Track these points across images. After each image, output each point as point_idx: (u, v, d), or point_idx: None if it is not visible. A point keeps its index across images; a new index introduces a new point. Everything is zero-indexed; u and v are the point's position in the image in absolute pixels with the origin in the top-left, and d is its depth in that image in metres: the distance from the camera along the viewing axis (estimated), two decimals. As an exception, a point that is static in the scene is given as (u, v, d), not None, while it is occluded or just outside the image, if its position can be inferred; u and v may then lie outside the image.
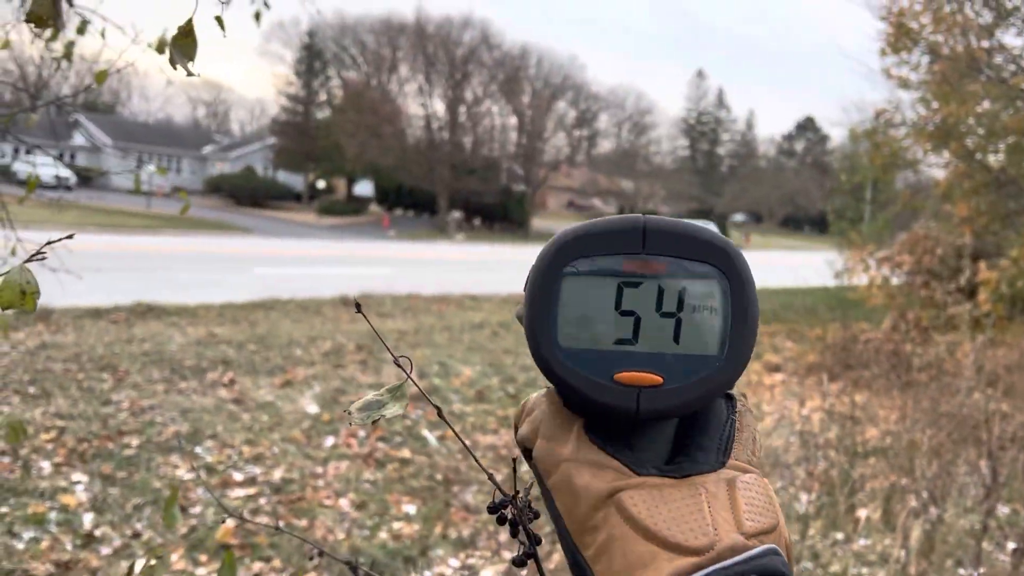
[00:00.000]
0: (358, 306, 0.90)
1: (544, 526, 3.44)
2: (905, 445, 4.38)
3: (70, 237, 1.36)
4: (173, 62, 0.89)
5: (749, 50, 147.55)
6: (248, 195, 38.89)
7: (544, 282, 0.43)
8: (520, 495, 0.60)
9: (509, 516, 0.59)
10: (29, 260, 0.79)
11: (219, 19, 2.15)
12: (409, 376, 0.73)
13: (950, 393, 5.45)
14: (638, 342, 0.43)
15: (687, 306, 0.42)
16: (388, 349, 0.75)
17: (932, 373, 6.85)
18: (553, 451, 0.45)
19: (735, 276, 0.42)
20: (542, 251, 0.44)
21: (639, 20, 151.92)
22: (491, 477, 0.74)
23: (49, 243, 1.06)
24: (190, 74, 0.98)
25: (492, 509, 0.59)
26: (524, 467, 0.54)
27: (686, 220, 0.43)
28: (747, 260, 0.43)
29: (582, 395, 0.43)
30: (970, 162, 9.82)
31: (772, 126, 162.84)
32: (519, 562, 0.57)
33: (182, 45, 0.87)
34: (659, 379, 0.42)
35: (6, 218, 2.60)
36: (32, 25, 1.09)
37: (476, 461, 0.81)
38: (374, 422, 0.65)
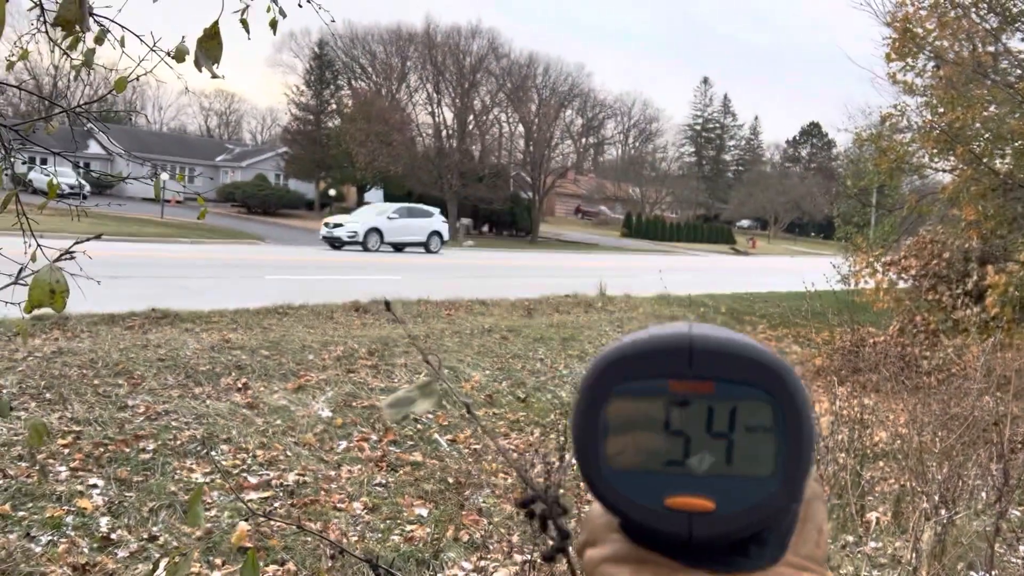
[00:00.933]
0: (388, 304, 0.95)
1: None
2: (915, 448, 4.39)
3: (98, 237, 1.40)
4: (198, 64, 0.92)
5: (753, 57, 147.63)
6: (260, 203, 39.12)
7: (589, 405, 0.42)
8: (550, 490, 0.62)
9: (538, 511, 0.60)
10: (58, 260, 0.82)
11: (244, 22, 2.21)
12: (439, 374, 0.77)
13: (960, 396, 5.46)
14: (689, 464, 0.41)
15: (739, 426, 0.41)
16: (420, 349, 0.79)
17: (941, 376, 6.85)
18: (595, 554, 0.44)
19: (787, 396, 0.40)
20: (586, 373, 0.43)
21: (644, 28, 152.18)
22: (521, 471, 0.76)
23: (78, 242, 1.11)
24: (214, 76, 1.01)
25: (522, 504, 0.60)
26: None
27: (732, 336, 0.42)
28: (799, 378, 0.42)
29: (632, 520, 0.42)
30: (977, 166, 9.82)
31: (777, 132, 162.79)
32: (549, 556, 0.58)
33: (208, 47, 0.90)
34: (711, 505, 0.40)
35: (27, 226, 2.66)
36: (59, 28, 1.13)
37: (506, 457, 0.85)
38: (404, 418, 0.68)
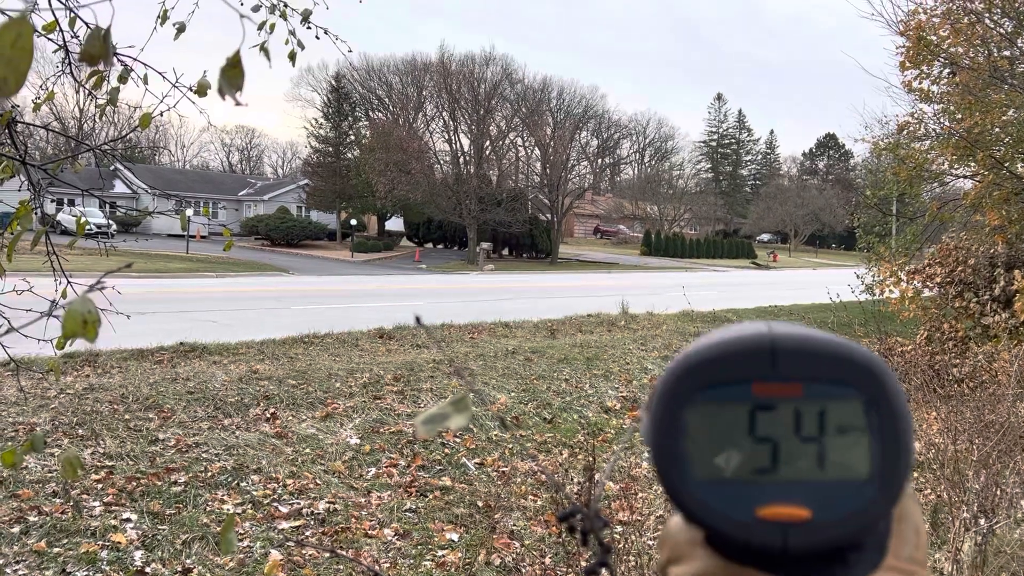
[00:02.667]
0: (418, 319, 0.97)
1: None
2: (950, 456, 4.32)
3: (129, 266, 1.45)
4: (222, 92, 0.96)
5: (765, 71, 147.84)
6: (283, 235, 39.58)
7: (668, 412, 0.39)
8: (590, 504, 0.62)
9: (579, 525, 0.62)
10: (90, 290, 0.85)
11: (265, 50, 2.27)
12: (472, 390, 0.78)
13: (993, 402, 5.37)
14: (779, 471, 0.38)
15: (830, 428, 0.38)
16: (452, 364, 0.81)
17: (972, 384, 6.74)
18: (681, 572, 0.41)
19: (879, 393, 0.38)
20: (661, 380, 0.40)
21: (657, 48, 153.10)
22: (559, 487, 0.77)
23: (108, 273, 1.15)
24: (237, 103, 1.06)
25: (563, 518, 0.62)
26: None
27: (815, 333, 0.39)
28: (892, 372, 0.39)
29: (721, 533, 0.39)
30: (998, 171, 9.72)
31: (794, 145, 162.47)
32: (592, 571, 0.59)
33: (230, 76, 0.93)
34: (807, 513, 0.37)
35: (57, 264, 2.72)
36: (84, 68, 1.18)
37: (542, 473, 0.86)
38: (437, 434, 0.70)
